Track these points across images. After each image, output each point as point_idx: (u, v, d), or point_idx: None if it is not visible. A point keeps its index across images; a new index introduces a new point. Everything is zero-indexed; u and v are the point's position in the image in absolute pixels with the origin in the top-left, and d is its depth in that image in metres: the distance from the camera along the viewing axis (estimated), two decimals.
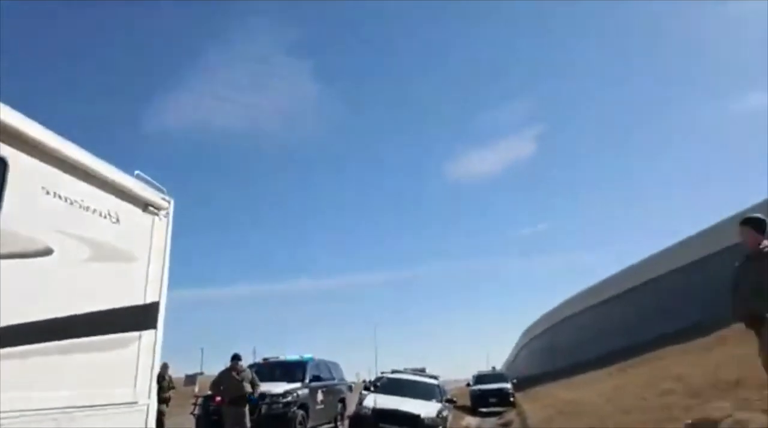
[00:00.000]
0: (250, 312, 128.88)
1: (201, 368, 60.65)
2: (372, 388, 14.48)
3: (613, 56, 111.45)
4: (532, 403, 19.16)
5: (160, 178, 6.76)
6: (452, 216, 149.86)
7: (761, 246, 4.64)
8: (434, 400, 12.72)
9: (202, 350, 75.07)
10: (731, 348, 11.68)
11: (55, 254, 4.93)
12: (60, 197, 5.12)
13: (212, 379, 10.77)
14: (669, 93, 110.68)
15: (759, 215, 4.88)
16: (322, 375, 13.47)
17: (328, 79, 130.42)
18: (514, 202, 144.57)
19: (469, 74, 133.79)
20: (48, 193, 5.01)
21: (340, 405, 14.61)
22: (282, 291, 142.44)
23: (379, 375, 19.13)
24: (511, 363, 64.93)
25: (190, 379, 38.93)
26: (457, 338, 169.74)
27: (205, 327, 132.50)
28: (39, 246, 4.81)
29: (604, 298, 35.12)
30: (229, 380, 9.81)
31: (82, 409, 5.10)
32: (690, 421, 6.85)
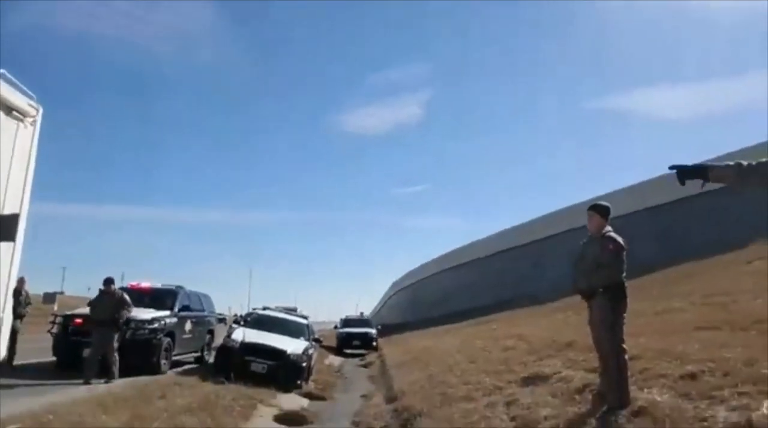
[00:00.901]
0: (120, 235, 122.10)
1: (61, 287, 57.06)
2: (242, 323, 14.61)
3: (510, 43, 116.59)
4: (392, 348, 20.34)
5: (29, 81, 6.19)
6: (336, 167, 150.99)
7: (603, 231, 5.32)
8: (302, 338, 13.11)
9: (63, 269, 71.27)
10: (571, 315, 13.17)
11: None
12: None
13: (71, 299, 10.38)
14: (548, 85, 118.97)
15: (604, 203, 5.57)
16: (192, 306, 13.34)
17: (226, 8, 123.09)
18: (397, 162, 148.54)
19: (371, 28, 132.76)
20: None
21: (208, 336, 14.62)
22: (158, 219, 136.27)
23: (251, 311, 19.25)
24: (378, 311, 67.82)
25: (49, 298, 36.54)
26: (330, 284, 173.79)
27: (70, 245, 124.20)
28: None
29: (468, 260, 37.60)
30: (101, 302, 9.81)
31: None
32: (526, 375, 7.73)
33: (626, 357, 5.07)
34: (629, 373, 5.13)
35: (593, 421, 4.91)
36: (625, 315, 5.12)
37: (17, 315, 10.04)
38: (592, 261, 5.23)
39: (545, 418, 5.48)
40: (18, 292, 9.95)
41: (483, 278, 33.47)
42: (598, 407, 5.11)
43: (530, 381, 7.34)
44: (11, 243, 5.95)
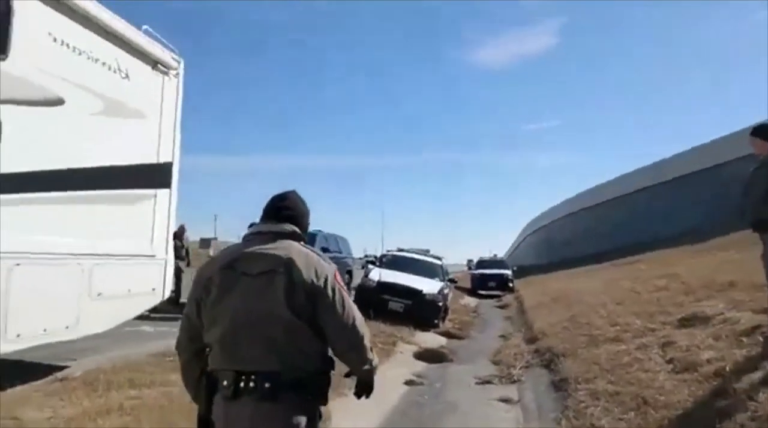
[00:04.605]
0: (262, 183, 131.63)
1: (215, 233, 62.85)
2: (378, 263, 15.02)
3: None
4: (529, 289, 19.89)
5: (167, 37, 6.49)
6: (461, 105, 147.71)
7: None
8: (437, 279, 13.22)
9: (215, 216, 77.84)
10: (734, 252, 11.85)
11: (66, 104, 4.88)
12: (68, 46, 4.98)
13: (224, 244, 11.26)
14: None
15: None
16: (330, 248, 13.92)
17: None
18: (527, 96, 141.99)
19: None
20: (56, 40, 4.86)
21: (347, 277, 15.26)
22: (292, 166, 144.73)
23: (385, 252, 19.76)
24: (512, 253, 66.70)
25: (205, 243, 40.45)
26: (461, 227, 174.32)
27: (218, 194, 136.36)
28: (49, 95, 4.75)
29: (606, 199, 35.26)
30: None
31: (105, 257, 5.36)
32: (683, 316, 7.07)
33: None
34: None
35: (766, 365, 4.34)
36: None
37: (179, 257, 11.17)
38: (763, 189, 4.55)
39: (708, 361, 4.97)
40: (176, 237, 11.07)
41: (624, 216, 31.23)
42: None
43: (688, 322, 6.72)
44: (167, 190, 6.42)
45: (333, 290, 1.95)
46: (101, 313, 5.27)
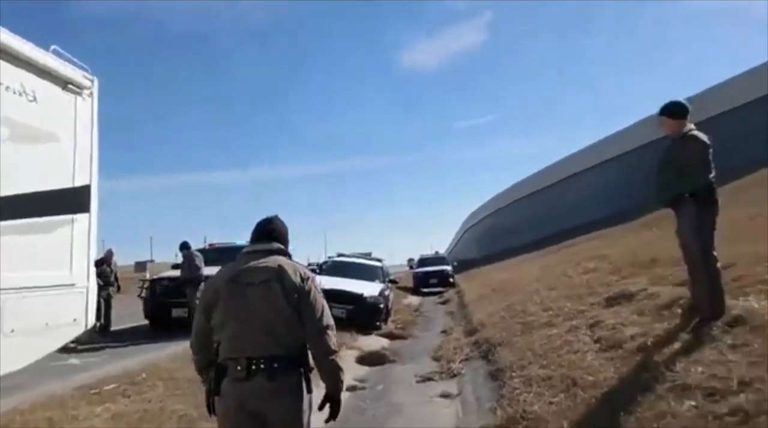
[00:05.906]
0: (199, 200, 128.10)
1: (151, 256, 60.59)
2: (318, 271, 14.92)
3: None
4: (470, 283, 20.29)
5: (84, 57, 6.24)
6: (398, 108, 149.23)
7: (684, 130, 4.79)
8: (377, 281, 13.27)
9: (150, 238, 75.27)
10: (653, 231, 12.53)
11: None
12: None
13: (161, 266, 10.97)
14: None
15: (676, 101, 4.95)
16: None
17: None
18: (463, 93, 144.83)
19: None
20: None
21: None
22: (228, 181, 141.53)
23: (326, 259, 19.67)
24: (453, 248, 67.86)
25: (140, 266, 38.96)
26: (404, 228, 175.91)
27: (154, 215, 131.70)
28: None
29: (543, 186, 36.44)
30: (185, 264, 10.81)
31: (19, 290, 5.06)
32: (609, 295, 7.41)
33: (718, 265, 4.66)
34: (722, 281, 4.75)
35: (684, 335, 4.60)
36: (716, 220, 4.67)
37: (108, 283, 10.72)
38: (675, 165, 4.77)
39: (631, 337, 5.23)
40: (104, 263, 10.63)
41: (562, 202, 32.23)
42: (689, 320, 4.79)
43: (614, 301, 7.06)
44: (86, 215, 6.14)
45: (310, 289, 2.52)
46: (15, 350, 4.96)
